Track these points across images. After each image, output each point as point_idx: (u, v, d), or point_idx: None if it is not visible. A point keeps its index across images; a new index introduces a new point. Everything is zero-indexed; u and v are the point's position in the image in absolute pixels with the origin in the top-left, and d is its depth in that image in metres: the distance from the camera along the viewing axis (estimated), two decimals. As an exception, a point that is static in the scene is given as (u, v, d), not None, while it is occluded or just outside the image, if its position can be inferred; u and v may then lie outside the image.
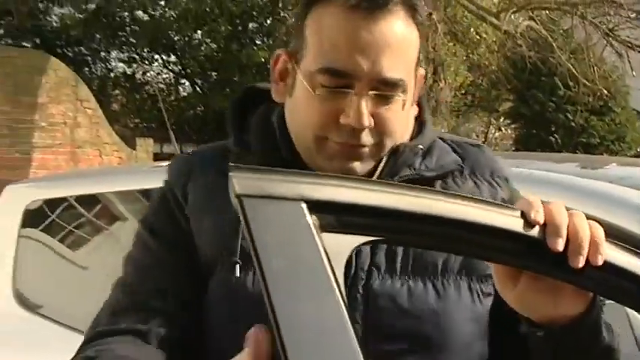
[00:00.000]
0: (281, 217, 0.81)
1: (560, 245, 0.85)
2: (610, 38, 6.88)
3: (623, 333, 2.34)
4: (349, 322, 0.74)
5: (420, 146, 1.12)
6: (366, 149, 1.05)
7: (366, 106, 1.01)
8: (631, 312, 2.34)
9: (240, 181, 0.81)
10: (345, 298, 0.76)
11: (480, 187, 1.15)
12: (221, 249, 1.05)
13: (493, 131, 12.10)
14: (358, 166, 1.06)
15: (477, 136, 12.11)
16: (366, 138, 1.04)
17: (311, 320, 0.74)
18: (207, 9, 13.12)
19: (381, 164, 1.09)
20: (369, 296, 1.04)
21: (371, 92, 1.01)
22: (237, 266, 1.03)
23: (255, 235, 0.79)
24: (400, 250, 1.07)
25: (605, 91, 8.06)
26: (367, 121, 1.01)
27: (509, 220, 0.87)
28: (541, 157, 4.05)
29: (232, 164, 0.81)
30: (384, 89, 1.02)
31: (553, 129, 10.62)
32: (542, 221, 0.85)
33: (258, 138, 1.13)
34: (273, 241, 0.78)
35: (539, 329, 0.96)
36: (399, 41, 1.04)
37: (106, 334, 1.05)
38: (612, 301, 1.00)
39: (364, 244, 0.85)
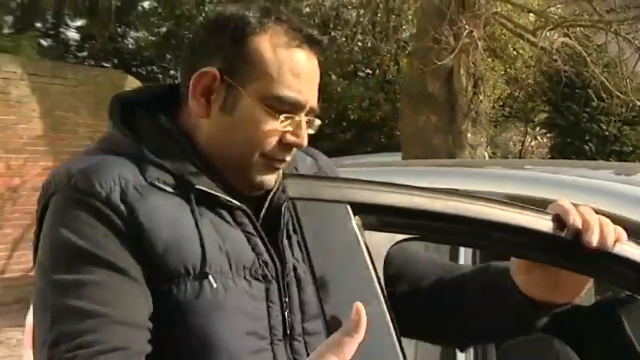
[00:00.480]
0: (329, 217, 0.83)
1: (595, 241, 0.91)
2: (643, 52, 6.68)
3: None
4: (387, 310, 0.76)
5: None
6: (287, 162, 1.12)
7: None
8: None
9: (293, 187, 0.84)
10: (383, 288, 0.79)
11: None
12: (186, 260, 1.01)
13: (529, 140, 11.87)
14: (274, 178, 1.11)
15: (514, 144, 11.92)
16: (292, 154, 1.12)
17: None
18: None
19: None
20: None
21: (305, 118, 1.10)
22: (211, 277, 1.01)
23: (306, 233, 0.81)
24: None
25: (638, 102, 7.85)
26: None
27: (541, 222, 0.89)
28: (576, 164, 3.97)
29: (286, 172, 0.85)
30: (311, 116, 1.12)
31: (587, 138, 10.37)
32: (580, 226, 0.91)
33: (163, 146, 1.08)
34: (322, 238, 0.80)
35: (540, 311, 1.10)
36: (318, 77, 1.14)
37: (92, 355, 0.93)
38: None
39: (400, 241, 0.88)
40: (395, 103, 9.88)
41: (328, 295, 0.78)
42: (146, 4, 13.01)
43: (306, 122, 1.11)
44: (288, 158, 1.11)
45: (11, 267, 7.64)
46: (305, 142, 1.10)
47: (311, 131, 1.14)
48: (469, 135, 6.26)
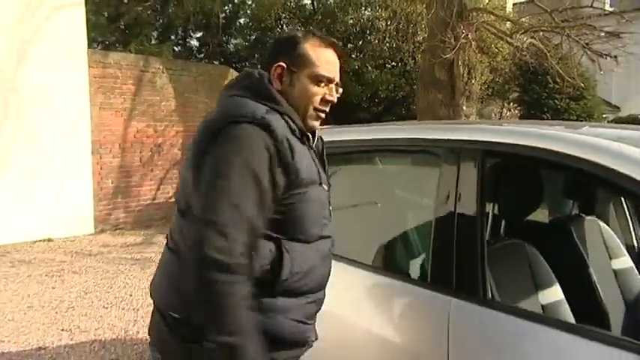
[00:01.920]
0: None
1: None
2: (586, 50, 6.39)
3: (598, 243, 2.17)
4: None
5: None
6: (326, 113, 1.30)
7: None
8: (603, 226, 2.19)
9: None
10: None
11: None
12: (314, 177, 1.23)
13: (505, 112, 11.52)
14: (318, 124, 1.30)
15: (495, 115, 11.55)
16: (328, 107, 1.30)
17: None
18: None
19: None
20: None
21: (334, 85, 1.30)
22: (324, 185, 1.26)
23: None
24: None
25: (582, 85, 7.52)
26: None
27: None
28: (539, 122, 3.82)
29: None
30: (338, 86, 1.32)
31: (545, 110, 10.05)
32: None
33: (282, 104, 1.23)
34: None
35: None
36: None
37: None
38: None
39: None
40: (412, 86, 9.66)
41: None
42: (242, 20, 12.93)
43: (335, 89, 1.31)
44: (327, 109, 1.29)
45: (158, 196, 7.91)
46: (335, 99, 1.29)
47: (337, 95, 1.31)
48: (464, 108, 6.15)
